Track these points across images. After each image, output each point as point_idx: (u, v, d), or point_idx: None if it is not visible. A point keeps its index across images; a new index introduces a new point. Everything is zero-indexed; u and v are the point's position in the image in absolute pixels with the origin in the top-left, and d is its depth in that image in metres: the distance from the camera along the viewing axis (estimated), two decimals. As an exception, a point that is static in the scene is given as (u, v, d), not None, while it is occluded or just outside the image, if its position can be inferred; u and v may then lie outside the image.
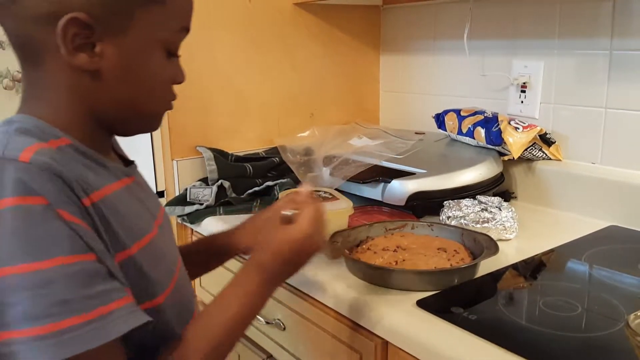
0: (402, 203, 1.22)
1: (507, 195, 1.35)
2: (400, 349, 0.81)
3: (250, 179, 1.44)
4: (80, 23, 0.59)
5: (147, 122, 0.70)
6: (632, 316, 0.65)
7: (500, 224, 1.11)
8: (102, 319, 0.54)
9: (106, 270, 0.57)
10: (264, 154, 1.55)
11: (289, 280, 0.86)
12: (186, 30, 0.68)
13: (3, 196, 0.53)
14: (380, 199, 1.26)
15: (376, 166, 1.36)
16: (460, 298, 0.87)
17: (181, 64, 0.70)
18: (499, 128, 1.30)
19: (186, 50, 0.72)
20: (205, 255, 0.94)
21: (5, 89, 1.99)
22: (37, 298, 0.52)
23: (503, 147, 1.32)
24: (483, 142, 1.35)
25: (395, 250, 0.97)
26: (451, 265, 0.91)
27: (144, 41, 0.64)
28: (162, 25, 0.65)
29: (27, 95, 0.64)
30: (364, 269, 0.92)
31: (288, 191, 1.20)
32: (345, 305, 0.91)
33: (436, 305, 0.83)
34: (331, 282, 0.95)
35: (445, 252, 0.95)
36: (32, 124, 0.61)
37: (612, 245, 1.11)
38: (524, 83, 1.38)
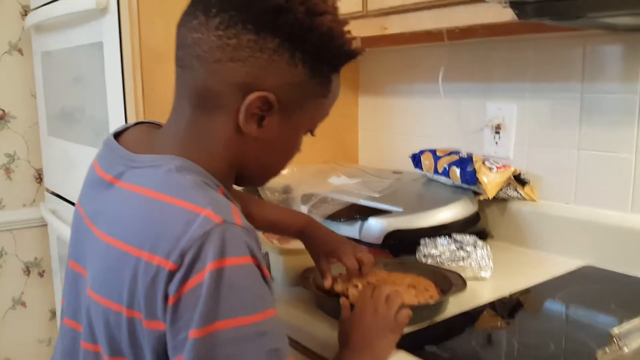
0: (379, 241, 1.22)
1: (483, 235, 1.36)
2: (373, 387, 0.80)
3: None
4: (266, 101, 0.66)
5: (263, 180, 0.78)
6: (599, 352, 0.65)
7: (475, 263, 1.11)
8: None
9: None
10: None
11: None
12: (328, 114, 0.76)
13: (235, 255, 0.58)
14: (357, 237, 1.26)
15: (354, 204, 1.37)
16: (434, 336, 0.87)
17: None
18: (474, 168, 1.32)
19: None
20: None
21: None
22: (257, 347, 0.58)
23: (478, 187, 1.34)
24: (458, 182, 1.37)
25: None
26: (419, 302, 0.91)
27: (300, 124, 0.72)
28: (319, 112, 0.74)
29: (187, 137, 0.69)
30: (329, 304, 0.92)
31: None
32: (313, 342, 0.90)
33: (410, 344, 0.83)
34: (297, 318, 0.95)
35: (415, 289, 0.95)
36: (199, 171, 0.67)
37: (586, 286, 1.12)
38: (498, 125, 1.41)
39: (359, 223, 1.27)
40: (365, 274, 0.96)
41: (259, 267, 0.61)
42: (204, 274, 0.56)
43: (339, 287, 0.94)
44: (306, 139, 0.76)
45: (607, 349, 0.66)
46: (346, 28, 0.69)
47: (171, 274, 0.57)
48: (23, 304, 2.14)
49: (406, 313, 0.82)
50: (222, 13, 0.64)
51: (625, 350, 0.67)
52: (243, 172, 0.73)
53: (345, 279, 0.96)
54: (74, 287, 0.72)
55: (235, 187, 0.84)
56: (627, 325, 0.69)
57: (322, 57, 0.67)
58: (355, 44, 0.70)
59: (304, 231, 0.98)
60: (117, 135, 0.76)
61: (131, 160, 0.68)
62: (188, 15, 0.67)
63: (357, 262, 0.95)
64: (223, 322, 0.56)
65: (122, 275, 0.61)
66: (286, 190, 1.52)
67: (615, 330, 0.68)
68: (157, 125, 0.76)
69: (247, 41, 0.64)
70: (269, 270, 1.10)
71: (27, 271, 2.14)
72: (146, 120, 0.79)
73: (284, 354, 0.61)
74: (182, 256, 0.57)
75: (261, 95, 0.65)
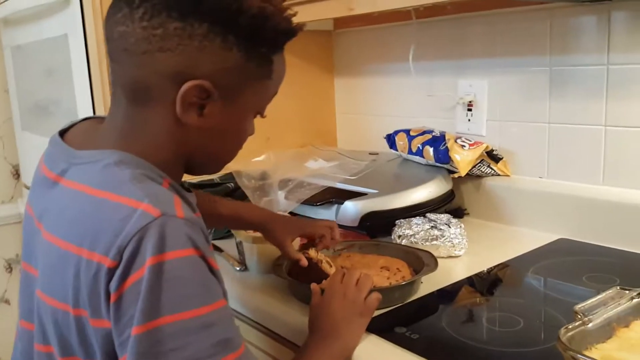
0: (356, 224, 1.23)
1: (459, 212, 1.36)
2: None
3: (205, 205, 1.42)
4: (203, 89, 0.63)
5: (216, 167, 0.76)
6: (562, 330, 0.65)
7: (448, 241, 1.12)
8: (246, 354, 0.62)
9: None
10: (218, 180, 1.53)
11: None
12: (276, 93, 0.73)
13: (175, 248, 0.57)
14: (334, 220, 1.26)
15: (330, 188, 1.37)
16: (404, 317, 0.87)
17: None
18: (446, 146, 1.32)
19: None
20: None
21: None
22: (203, 339, 0.57)
23: (451, 165, 1.34)
24: (432, 161, 1.37)
25: None
26: (390, 283, 0.91)
27: (245, 108, 0.70)
28: (264, 94, 0.71)
29: (126, 130, 0.67)
30: (301, 290, 0.92)
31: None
32: (286, 329, 0.91)
33: (380, 325, 0.83)
34: (270, 305, 0.96)
35: (388, 270, 0.95)
36: (140, 164, 0.65)
37: (559, 258, 1.12)
38: (470, 101, 1.40)
39: (335, 206, 1.27)
40: (336, 239, 0.99)
41: (203, 258, 0.60)
42: (144, 269, 0.56)
43: (312, 253, 0.95)
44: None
45: (570, 325, 0.66)
46: (282, 5, 0.66)
47: (111, 271, 0.57)
48: (7, 301, 2.13)
49: (376, 296, 0.82)
50: (145, 3, 0.62)
51: (589, 325, 0.68)
52: (192, 161, 0.71)
53: (319, 249, 0.98)
54: (27, 288, 0.71)
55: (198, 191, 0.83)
56: (591, 301, 0.70)
57: (257, 39, 0.65)
58: (295, 19, 0.68)
59: (268, 220, 0.98)
60: (65, 132, 0.75)
61: (73, 157, 0.68)
62: (113, 8, 0.65)
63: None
64: (166, 317, 0.56)
65: (66, 274, 0.60)
66: (263, 176, 1.51)
67: (579, 307, 0.69)
68: (102, 120, 0.74)
69: (174, 29, 0.61)
70: (243, 259, 1.11)
71: (9, 268, 2.13)
72: (93, 115, 0.78)
73: (236, 344, 0.60)
74: (120, 253, 0.56)
75: (196, 83, 0.63)
